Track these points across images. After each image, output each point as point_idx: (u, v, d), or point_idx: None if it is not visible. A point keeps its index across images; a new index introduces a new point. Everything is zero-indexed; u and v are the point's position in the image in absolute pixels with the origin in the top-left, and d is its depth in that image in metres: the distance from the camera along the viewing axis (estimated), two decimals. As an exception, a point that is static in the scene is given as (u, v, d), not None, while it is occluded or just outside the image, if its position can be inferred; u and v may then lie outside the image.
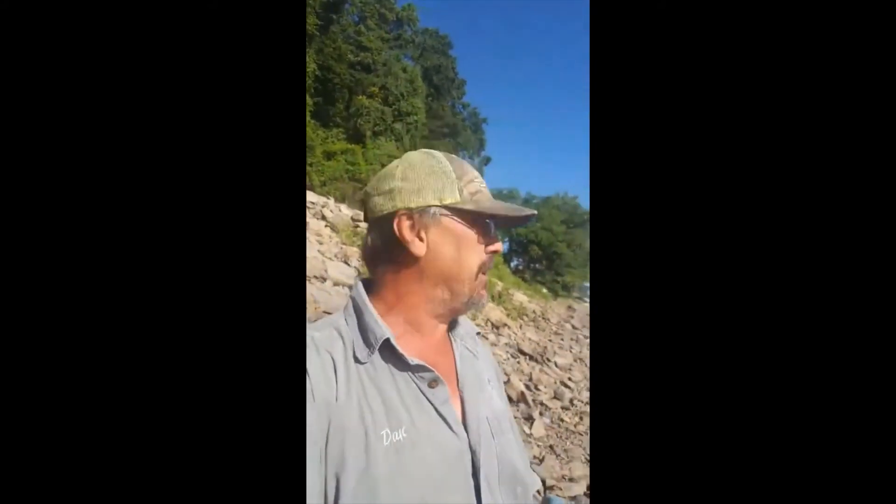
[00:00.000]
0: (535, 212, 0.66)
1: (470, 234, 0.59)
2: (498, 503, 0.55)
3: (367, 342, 0.55)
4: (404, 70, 17.97)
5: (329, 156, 12.98)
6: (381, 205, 0.59)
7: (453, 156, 0.62)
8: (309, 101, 14.56)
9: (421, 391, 0.55)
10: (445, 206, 0.58)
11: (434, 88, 22.84)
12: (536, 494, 0.65)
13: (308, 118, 13.96)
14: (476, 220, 0.59)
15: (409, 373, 0.56)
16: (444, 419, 0.55)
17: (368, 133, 15.75)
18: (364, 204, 0.63)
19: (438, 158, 0.60)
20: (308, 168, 11.82)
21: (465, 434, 0.56)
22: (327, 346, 0.54)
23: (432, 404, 0.55)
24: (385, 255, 0.60)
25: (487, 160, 30.09)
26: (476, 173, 0.62)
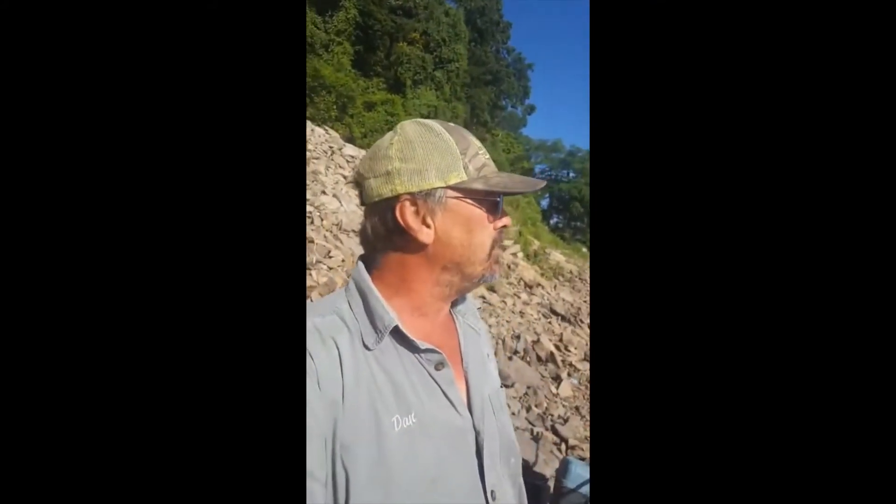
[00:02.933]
0: (545, 182, 0.61)
1: (479, 214, 0.54)
2: (499, 478, 0.57)
3: (375, 328, 0.53)
4: (446, 14, 17.03)
5: (369, 107, 12.78)
6: (379, 189, 0.53)
7: (452, 125, 0.56)
8: (349, 49, 14.23)
9: (428, 374, 0.54)
10: (452, 187, 0.53)
11: (478, 33, 21.59)
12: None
13: (349, 67, 13.72)
14: (485, 197, 0.54)
15: (417, 355, 0.54)
16: (451, 401, 0.55)
17: (409, 82, 15.31)
18: (358, 186, 0.56)
19: (438, 132, 0.54)
20: (349, 120, 11.77)
21: (470, 415, 0.56)
22: (332, 333, 0.51)
23: (439, 386, 0.54)
24: (387, 241, 0.55)
25: (532, 109, 28.67)
26: (478, 143, 0.56)
